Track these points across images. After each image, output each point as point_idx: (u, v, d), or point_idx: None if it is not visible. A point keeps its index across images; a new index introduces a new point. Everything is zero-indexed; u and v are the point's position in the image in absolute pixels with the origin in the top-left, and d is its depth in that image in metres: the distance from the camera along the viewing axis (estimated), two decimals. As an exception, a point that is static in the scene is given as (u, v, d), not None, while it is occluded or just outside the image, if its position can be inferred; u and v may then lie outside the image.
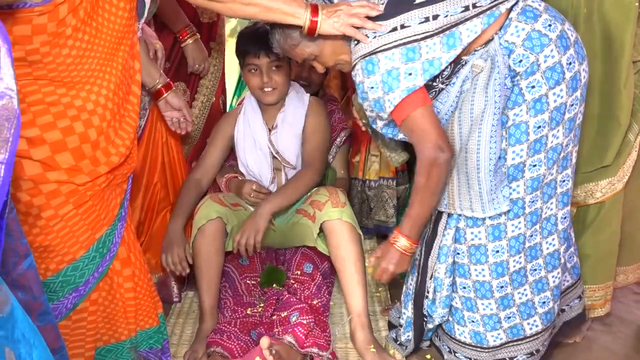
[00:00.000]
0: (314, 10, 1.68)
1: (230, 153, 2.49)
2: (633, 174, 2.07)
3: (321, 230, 2.15)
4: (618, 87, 1.93)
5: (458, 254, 1.85)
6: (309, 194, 2.28)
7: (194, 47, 2.42)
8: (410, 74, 1.62)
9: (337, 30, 1.68)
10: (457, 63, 1.67)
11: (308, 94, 2.43)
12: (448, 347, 1.97)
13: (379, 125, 1.78)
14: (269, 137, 2.36)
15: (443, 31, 1.62)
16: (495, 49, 1.65)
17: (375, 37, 1.64)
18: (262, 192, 2.31)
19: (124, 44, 1.61)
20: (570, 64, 1.66)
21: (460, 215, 1.80)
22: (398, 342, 2.06)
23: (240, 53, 2.30)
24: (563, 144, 1.73)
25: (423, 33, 1.62)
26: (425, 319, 1.98)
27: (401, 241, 1.76)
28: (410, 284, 2.00)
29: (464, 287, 1.86)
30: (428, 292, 1.93)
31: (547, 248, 1.84)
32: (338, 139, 2.63)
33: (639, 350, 2.07)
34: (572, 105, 1.70)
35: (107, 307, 1.76)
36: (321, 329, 2.03)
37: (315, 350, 1.94)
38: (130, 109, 1.68)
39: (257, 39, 2.20)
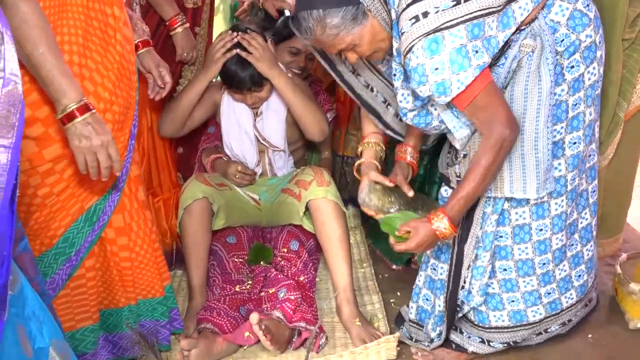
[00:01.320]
0: None
1: (218, 132, 2.53)
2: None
3: (307, 209, 2.22)
4: (609, 63, 1.97)
5: (501, 236, 1.82)
6: (294, 173, 2.35)
7: (183, 36, 2.44)
8: (477, 52, 1.54)
9: None
10: (505, 43, 1.62)
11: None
12: (480, 337, 1.97)
13: (409, 117, 1.74)
14: (254, 124, 2.41)
15: (499, 10, 1.57)
16: (541, 28, 1.62)
17: (437, 12, 1.53)
18: (247, 172, 2.38)
19: None
20: (600, 42, 1.70)
21: (501, 198, 1.75)
22: (414, 339, 2.05)
23: (223, 81, 2.35)
24: (594, 120, 1.77)
25: (487, 8, 1.55)
26: (458, 309, 1.92)
27: (442, 222, 1.68)
28: (439, 278, 1.94)
29: (505, 269, 1.86)
30: (465, 282, 1.87)
31: (581, 222, 1.89)
32: None
33: (612, 321, 2.18)
34: (598, 81, 1.74)
35: (104, 273, 1.83)
36: (308, 304, 2.11)
37: (303, 324, 2.02)
38: (111, 61, 1.65)
39: (239, 70, 2.26)
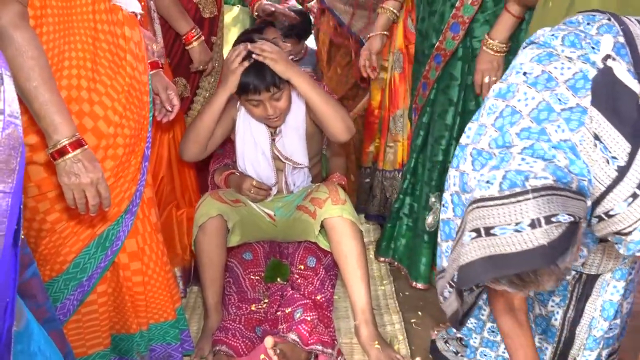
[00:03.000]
0: None
1: (227, 151, 2.50)
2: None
3: (322, 226, 2.19)
4: None
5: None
6: (309, 190, 2.31)
7: (200, 49, 2.43)
8: None
9: None
10: None
11: None
12: None
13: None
14: (272, 143, 2.35)
15: None
16: None
17: None
18: (263, 187, 2.34)
19: (85, 13, 1.56)
20: None
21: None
22: None
23: (240, 90, 2.23)
24: None
25: None
26: None
27: None
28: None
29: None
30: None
31: None
32: None
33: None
34: None
35: (116, 298, 1.82)
36: (325, 325, 2.08)
37: (319, 347, 1.99)
38: (121, 83, 1.62)
39: (255, 74, 2.17)
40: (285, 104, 2.25)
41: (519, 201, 1.09)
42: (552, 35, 1.31)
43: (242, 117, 2.36)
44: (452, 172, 1.38)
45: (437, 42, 2.25)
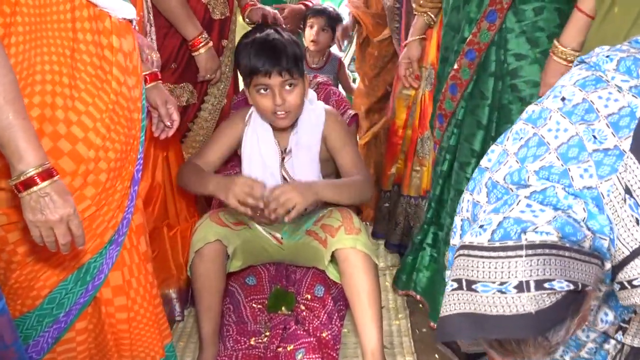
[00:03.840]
0: None
1: (234, 163, 2.34)
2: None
3: (333, 256, 2.01)
4: None
5: None
6: (320, 214, 2.13)
7: (207, 56, 2.26)
8: None
9: None
10: None
11: (322, 103, 2.23)
12: None
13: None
14: (281, 163, 2.16)
15: None
16: None
17: None
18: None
19: (63, 21, 1.39)
20: None
21: None
22: None
23: (245, 69, 2.05)
24: None
25: None
26: None
27: None
28: None
29: None
30: None
31: None
32: None
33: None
34: None
35: (97, 336, 1.66)
36: (329, 367, 1.89)
37: (321, 393, 1.82)
38: (105, 101, 1.46)
39: (268, 53, 1.99)
40: (296, 101, 2.05)
41: (508, 257, 0.95)
42: (608, 56, 1.13)
43: (249, 134, 2.18)
44: (466, 196, 1.23)
45: (470, 35, 2.01)
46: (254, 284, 2.21)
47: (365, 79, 3.25)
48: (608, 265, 1.04)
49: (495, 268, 0.95)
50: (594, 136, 1.04)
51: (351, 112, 2.46)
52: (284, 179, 2.15)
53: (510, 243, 0.95)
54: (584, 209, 1.01)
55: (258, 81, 2.02)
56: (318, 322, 2.05)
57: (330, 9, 3.41)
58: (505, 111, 1.99)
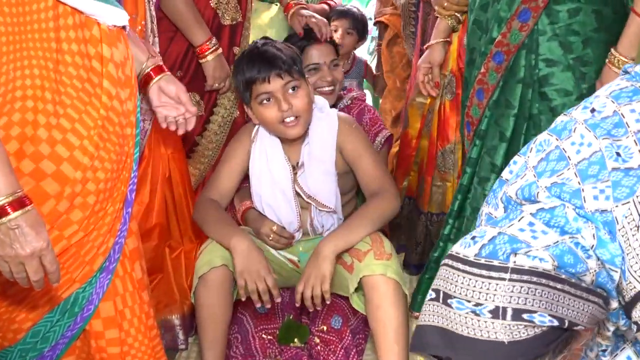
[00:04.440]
0: None
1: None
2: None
3: (359, 283, 1.86)
4: None
5: None
6: None
7: (216, 64, 2.14)
8: None
9: None
10: None
11: (334, 110, 2.10)
12: None
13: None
14: (293, 178, 2.02)
15: None
16: None
17: None
18: (284, 236, 2.01)
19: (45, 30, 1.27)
20: None
21: None
22: None
23: (244, 85, 1.96)
24: None
25: None
26: None
27: None
28: None
29: None
30: None
31: None
32: (373, 146, 2.30)
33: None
34: None
35: None
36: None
37: None
38: (94, 116, 1.35)
39: (262, 58, 1.92)
40: (303, 102, 1.94)
41: (490, 277, 0.88)
42: None
43: (257, 150, 2.05)
44: (484, 209, 1.13)
45: (499, 36, 1.87)
46: (264, 311, 2.06)
47: (397, 80, 3.13)
48: (615, 304, 0.95)
49: (474, 286, 0.89)
50: (618, 153, 0.95)
51: (386, 132, 2.35)
52: (298, 195, 2.02)
53: (495, 262, 0.88)
54: (593, 235, 0.93)
55: (258, 91, 1.93)
56: (334, 357, 1.92)
57: (355, 10, 3.31)
58: (534, 122, 1.87)
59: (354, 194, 2.20)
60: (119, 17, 1.39)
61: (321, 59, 2.29)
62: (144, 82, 1.69)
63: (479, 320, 0.87)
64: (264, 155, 2.03)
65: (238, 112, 2.34)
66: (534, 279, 0.86)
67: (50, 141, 1.29)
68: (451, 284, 0.91)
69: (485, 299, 0.87)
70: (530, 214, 0.94)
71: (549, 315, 0.86)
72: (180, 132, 1.78)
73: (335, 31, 3.17)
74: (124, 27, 1.42)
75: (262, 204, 2.04)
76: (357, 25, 3.23)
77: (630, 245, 0.92)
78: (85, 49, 1.33)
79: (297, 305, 1.84)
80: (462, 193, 2.09)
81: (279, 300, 1.84)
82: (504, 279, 0.86)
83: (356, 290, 1.89)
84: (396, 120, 3.14)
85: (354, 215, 1.96)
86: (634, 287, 0.92)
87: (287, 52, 1.97)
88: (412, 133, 2.50)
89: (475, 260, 0.89)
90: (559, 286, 0.87)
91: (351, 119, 2.14)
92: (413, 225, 2.56)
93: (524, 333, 0.86)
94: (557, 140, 1.03)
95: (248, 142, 2.07)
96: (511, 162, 1.13)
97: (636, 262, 0.92)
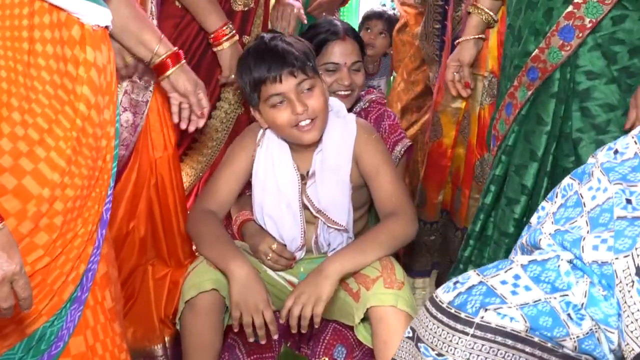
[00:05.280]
0: None
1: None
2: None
3: (366, 313, 1.71)
4: None
5: None
6: None
7: (233, 52, 1.99)
8: None
9: None
10: None
11: (352, 115, 1.94)
12: None
13: None
14: (301, 189, 1.85)
15: None
16: None
17: None
18: (284, 256, 1.85)
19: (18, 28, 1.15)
20: None
21: None
22: None
23: (252, 85, 1.79)
24: None
25: None
26: None
27: None
28: None
29: None
30: None
31: None
32: (392, 156, 2.14)
33: None
34: None
35: None
36: None
37: None
38: (65, 127, 1.22)
39: (272, 55, 1.76)
40: (319, 103, 1.79)
41: (455, 329, 0.90)
42: None
43: (262, 156, 1.88)
44: (512, 252, 1.16)
45: (536, 50, 1.75)
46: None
47: (404, 71, 3.05)
48: None
49: (440, 335, 0.90)
50: (629, 200, 0.93)
51: (407, 142, 2.18)
52: (305, 208, 1.86)
53: (463, 315, 0.89)
54: (585, 292, 0.91)
55: (268, 92, 1.77)
56: (335, 393, 1.79)
57: (391, 13, 3.37)
58: (570, 142, 1.77)
59: (366, 210, 2.04)
60: (103, 16, 1.28)
61: (342, 59, 2.10)
62: (158, 70, 1.65)
63: None
64: (269, 161, 1.87)
65: (243, 109, 2.20)
66: (499, 338, 0.85)
67: (15, 153, 1.16)
68: (423, 327, 0.92)
69: (447, 351, 0.87)
70: (521, 265, 0.92)
71: None
72: (192, 128, 1.74)
73: (368, 30, 3.19)
74: (107, 27, 1.31)
75: (263, 215, 1.88)
76: (391, 28, 3.21)
77: (626, 302, 0.88)
78: (61, 51, 1.21)
79: (282, 322, 1.69)
80: (485, 213, 1.98)
81: (276, 337, 1.68)
82: (467, 334, 0.86)
83: (362, 319, 1.74)
84: (401, 115, 3.05)
85: (365, 236, 1.82)
86: (632, 350, 0.88)
87: (299, 47, 1.80)
88: (447, 142, 2.34)
89: (447, 309, 0.89)
90: (527, 349, 0.86)
91: (371, 127, 1.99)
92: (448, 242, 2.42)
93: None
94: (579, 184, 1.02)
95: (252, 146, 1.91)
96: (539, 207, 1.12)
97: (632, 322, 0.87)
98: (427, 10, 2.65)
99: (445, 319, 0.90)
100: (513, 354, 0.86)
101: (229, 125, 2.16)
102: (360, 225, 2.01)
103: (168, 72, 1.66)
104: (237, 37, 2.00)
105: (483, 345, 0.86)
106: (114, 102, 1.32)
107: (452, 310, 0.90)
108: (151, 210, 1.88)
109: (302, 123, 1.77)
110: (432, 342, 0.90)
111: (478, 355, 0.86)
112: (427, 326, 0.92)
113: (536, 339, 0.87)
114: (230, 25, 1.98)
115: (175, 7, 1.94)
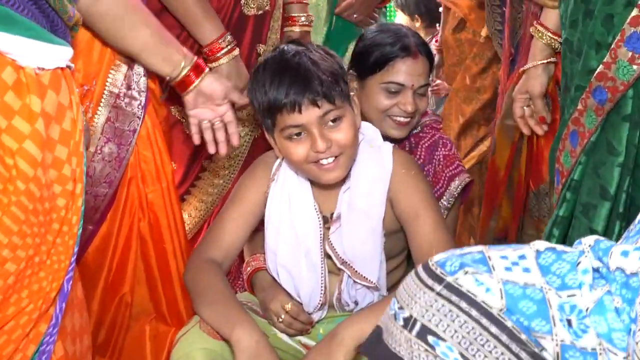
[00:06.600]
0: None
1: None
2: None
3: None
4: None
5: None
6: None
7: (231, 68, 1.77)
8: None
9: None
10: None
11: (389, 145, 1.69)
12: None
13: None
14: (323, 236, 1.61)
15: None
16: None
17: None
18: (300, 319, 1.61)
19: None
20: None
21: None
22: None
23: (265, 110, 1.55)
24: None
25: None
26: None
27: None
28: None
29: None
30: None
31: None
32: (447, 194, 1.90)
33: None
34: None
35: None
36: None
37: None
38: (8, 190, 1.05)
39: (291, 76, 1.51)
40: (347, 137, 1.55)
41: (424, 285, 0.87)
42: None
43: (277, 193, 1.64)
44: None
45: (600, 66, 1.53)
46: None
47: (467, 77, 2.82)
48: None
49: (410, 289, 0.90)
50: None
51: (465, 177, 1.91)
52: (328, 257, 1.62)
53: (438, 271, 0.88)
54: (597, 297, 0.84)
55: (285, 122, 1.52)
56: None
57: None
58: None
59: (403, 259, 1.78)
60: (54, 55, 1.08)
61: (409, 81, 1.82)
62: (181, 86, 1.57)
63: (393, 326, 0.88)
64: (286, 200, 1.64)
65: (260, 131, 1.95)
66: (463, 304, 0.83)
67: None
68: (403, 284, 0.93)
69: (407, 304, 0.88)
70: (536, 250, 0.90)
71: (459, 352, 0.82)
72: (222, 150, 1.65)
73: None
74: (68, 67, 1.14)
75: (276, 265, 1.65)
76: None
77: None
78: None
79: None
80: None
81: None
82: (433, 290, 0.86)
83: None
84: (463, 131, 2.82)
85: (387, 298, 1.58)
86: None
87: (327, 66, 1.53)
88: (500, 162, 2.14)
89: (430, 266, 0.90)
90: (493, 329, 0.82)
91: (412, 160, 1.73)
92: None
93: (423, 357, 0.84)
94: None
95: (265, 181, 1.67)
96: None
97: None
98: (486, 9, 2.43)
99: (422, 273, 0.89)
100: (473, 328, 0.81)
101: (244, 150, 1.94)
102: (397, 276, 1.75)
103: (196, 83, 1.54)
104: (237, 52, 1.80)
105: (443, 305, 0.84)
106: (79, 155, 1.13)
107: (432, 266, 0.89)
108: (146, 256, 1.65)
109: (323, 161, 1.53)
110: (401, 296, 0.90)
111: (434, 315, 0.84)
112: (406, 282, 0.92)
113: (509, 324, 0.82)
114: (229, 37, 1.78)
115: (173, 18, 1.75)
